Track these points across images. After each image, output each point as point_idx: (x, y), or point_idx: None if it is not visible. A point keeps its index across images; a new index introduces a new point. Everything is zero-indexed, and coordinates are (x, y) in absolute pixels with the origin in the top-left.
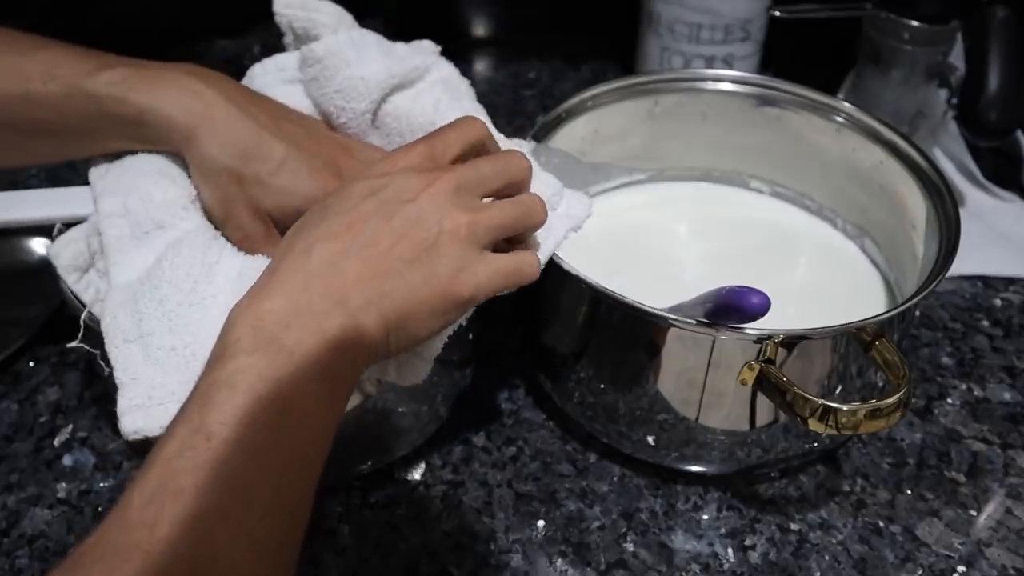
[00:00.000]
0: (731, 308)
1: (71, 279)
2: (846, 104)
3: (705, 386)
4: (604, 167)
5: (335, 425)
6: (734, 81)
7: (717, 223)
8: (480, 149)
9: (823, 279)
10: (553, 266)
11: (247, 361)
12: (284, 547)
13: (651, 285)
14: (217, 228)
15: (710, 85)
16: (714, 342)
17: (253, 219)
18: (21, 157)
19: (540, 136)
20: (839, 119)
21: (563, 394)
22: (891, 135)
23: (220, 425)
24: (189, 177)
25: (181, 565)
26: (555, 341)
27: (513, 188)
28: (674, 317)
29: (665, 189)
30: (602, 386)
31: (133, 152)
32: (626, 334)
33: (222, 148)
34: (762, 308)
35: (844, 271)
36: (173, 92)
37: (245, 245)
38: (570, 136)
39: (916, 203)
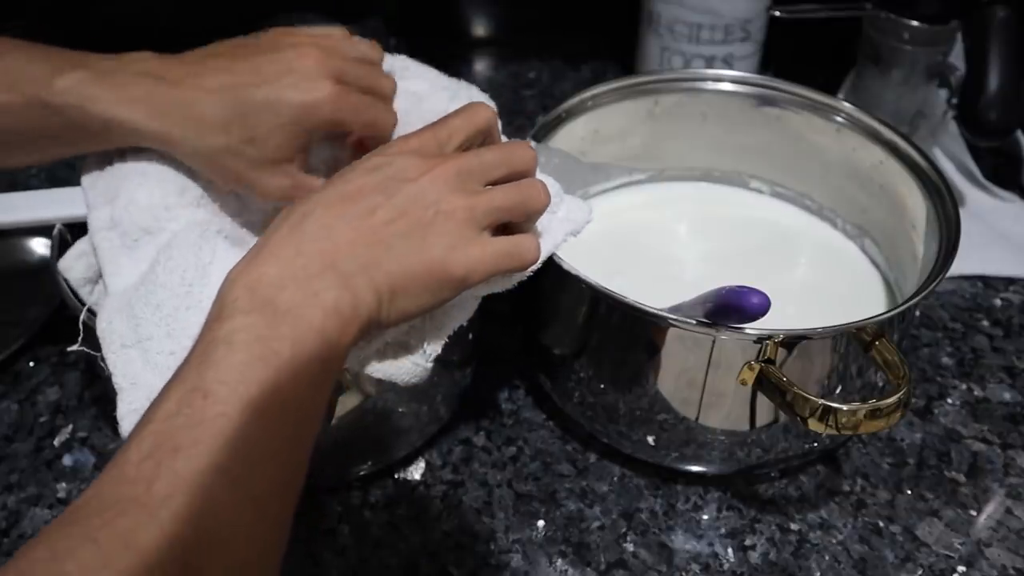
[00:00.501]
0: (731, 308)
1: (84, 291)
2: (846, 104)
3: (705, 386)
4: (604, 167)
5: (330, 389)
6: (734, 81)
7: (717, 223)
8: (487, 136)
9: (823, 279)
10: (553, 266)
11: (244, 320)
12: (283, 508)
13: (651, 285)
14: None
15: (710, 85)
16: (714, 342)
17: (268, 175)
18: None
19: (540, 136)
20: (839, 119)
21: (563, 394)
22: (891, 135)
23: (218, 383)
24: (174, 169)
25: (182, 524)
26: (555, 341)
27: (516, 177)
28: (674, 317)
29: (665, 189)
30: (602, 386)
31: (121, 155)
32: (626, 334)
33: (197, 134)
34: (762, 308)
35: (844, 271)
36: (133, 102)
37: (280, 200)
38: (570, 136)
39: (916, 203)
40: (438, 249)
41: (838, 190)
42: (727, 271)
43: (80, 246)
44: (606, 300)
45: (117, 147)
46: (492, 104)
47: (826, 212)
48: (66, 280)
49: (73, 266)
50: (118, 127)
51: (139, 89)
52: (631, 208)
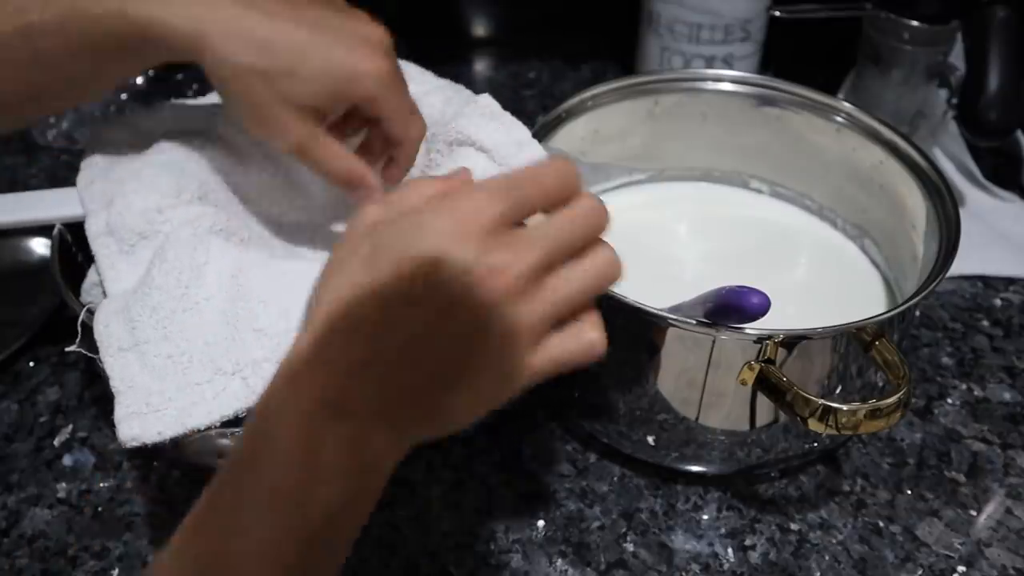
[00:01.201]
0: (731, 308)
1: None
2: (846, 104)
3: (705, 386)
4: (604, 167)
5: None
6: (734, 81)
7: (717, 223)
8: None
9: (823, 279)
10: None
11: (278, 475)
12: None
13: (651, 285)
14: (258, 141)
15: (710, 85)
16: (714, 342)
17: (294, 118)
18: (30, 107)
19: (540, 136)
20: (839, 119)
21: (563, 393)
22: (891, 135)
23: (243, 556)
24: (167, 172)
25: None
26: None
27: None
28: (674, 317)
29: (665, 189)
30: (602, 386)
31: (116, 155)
32: (626, 334)
33: (236, 46)
34: (762, 308)
35: (844, 271)
36: (175, 3)
37: (298, 153)
38: (570, 136)
39: (916, 203)
40: (495, 387)
41: (838, 190)
42: (727, 271)
43: (93, 276)
44: (606, 300)
45: (140, 70)
46: (535, 146)
47: (826, 212)
48: (60, 281)
49: (95, 299)
50: (157, 30)
51: None
52: (631, 208)
